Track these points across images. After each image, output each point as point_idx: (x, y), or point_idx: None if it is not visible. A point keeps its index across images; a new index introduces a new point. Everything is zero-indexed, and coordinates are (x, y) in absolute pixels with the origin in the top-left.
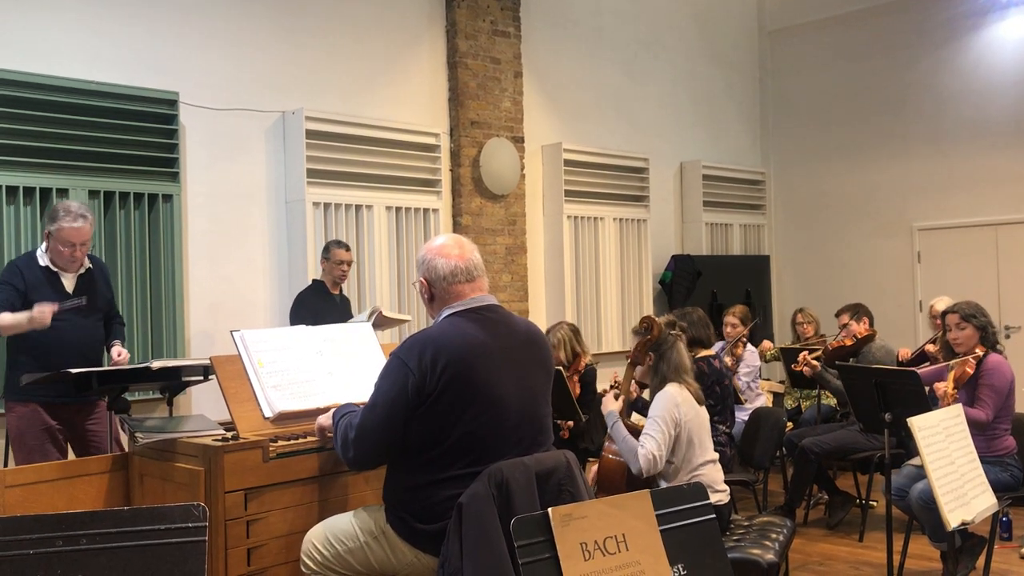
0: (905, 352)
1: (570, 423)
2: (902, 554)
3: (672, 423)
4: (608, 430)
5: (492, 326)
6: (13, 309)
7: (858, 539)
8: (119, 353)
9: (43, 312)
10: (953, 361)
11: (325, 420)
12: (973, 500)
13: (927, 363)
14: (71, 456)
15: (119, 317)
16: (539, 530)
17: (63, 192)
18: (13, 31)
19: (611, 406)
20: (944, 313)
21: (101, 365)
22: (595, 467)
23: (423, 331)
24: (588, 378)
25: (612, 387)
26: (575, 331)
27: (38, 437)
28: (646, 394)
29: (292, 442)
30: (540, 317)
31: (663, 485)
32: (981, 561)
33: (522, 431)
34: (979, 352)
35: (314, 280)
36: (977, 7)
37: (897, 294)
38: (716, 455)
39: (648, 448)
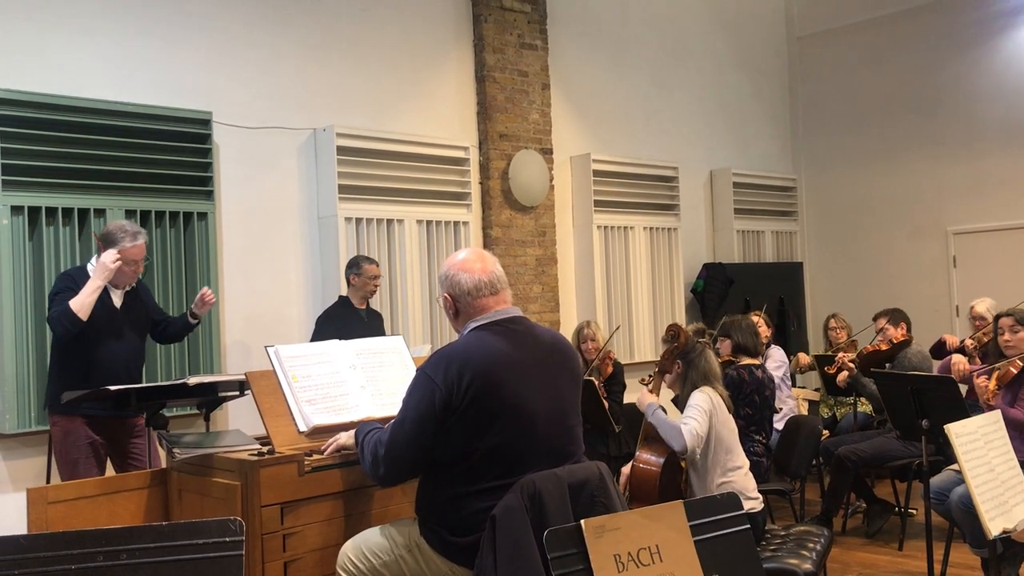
0: (953, 340)
1: None
2: (943, 562)
3: (707, 413)
4: (648, 418)
5: (517, 338)
6: None
7: (898, 548)
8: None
9: (106, 260)
10: (1001, 363)
11: (347, 439)
12: (1015, 508)
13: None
14: (109, 470)
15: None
16: (572, 542)
17: (100, 212)
18: (49, 55)
19: (649, 398)
20: (997, 316)
21: (142, 381)
22: (626, 468)
23: (448, 346)
24: (616, 368)
25: (644, 381)
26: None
27: (81, 450)
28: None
29: (327, 456)
30: (572, 328)
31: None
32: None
33: (552, 441)
34: None
35: (340, 296)
36: (1007, 7)
37: (933, 299)
38: (747, 462)
39: (691, 425)
